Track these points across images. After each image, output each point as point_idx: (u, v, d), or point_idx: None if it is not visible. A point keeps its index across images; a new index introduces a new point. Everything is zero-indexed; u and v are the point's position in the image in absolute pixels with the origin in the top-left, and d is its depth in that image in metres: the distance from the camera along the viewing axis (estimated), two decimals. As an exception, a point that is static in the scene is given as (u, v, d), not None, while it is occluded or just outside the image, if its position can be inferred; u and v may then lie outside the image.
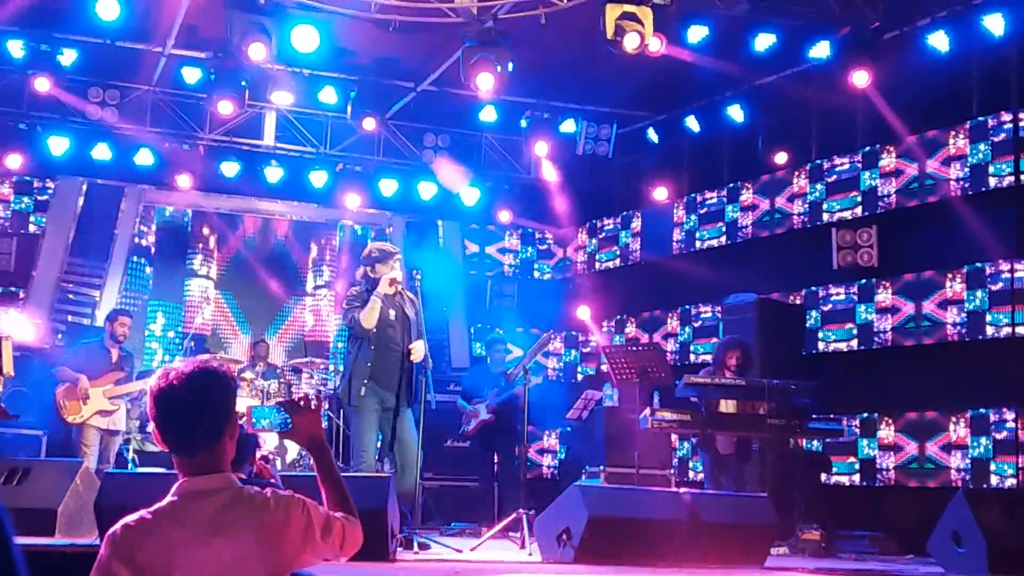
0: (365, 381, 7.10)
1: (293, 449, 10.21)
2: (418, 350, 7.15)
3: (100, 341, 9.52)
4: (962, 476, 9.54)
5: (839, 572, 6.62)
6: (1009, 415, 9.27)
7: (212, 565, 2.57)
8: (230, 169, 12.61)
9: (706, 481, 9.02)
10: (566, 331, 14.04)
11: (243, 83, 11.00)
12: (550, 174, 13.19)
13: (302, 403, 2.99)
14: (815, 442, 10.01)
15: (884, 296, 10.49)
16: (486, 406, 10.19)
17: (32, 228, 12.37)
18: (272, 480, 4.99)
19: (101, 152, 12.07)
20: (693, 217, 12.72)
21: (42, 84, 10.90)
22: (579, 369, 14.05)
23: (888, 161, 10.60)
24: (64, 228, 12.37)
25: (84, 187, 12.52)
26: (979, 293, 9.67)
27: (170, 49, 11.00)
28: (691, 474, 11.49)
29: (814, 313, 10.99)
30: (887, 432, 10.22)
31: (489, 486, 10.39)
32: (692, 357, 12.22)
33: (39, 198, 12.44)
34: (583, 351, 14.10)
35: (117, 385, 9.23)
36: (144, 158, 12.24)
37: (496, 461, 10.38)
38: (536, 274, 14.52)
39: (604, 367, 11.43)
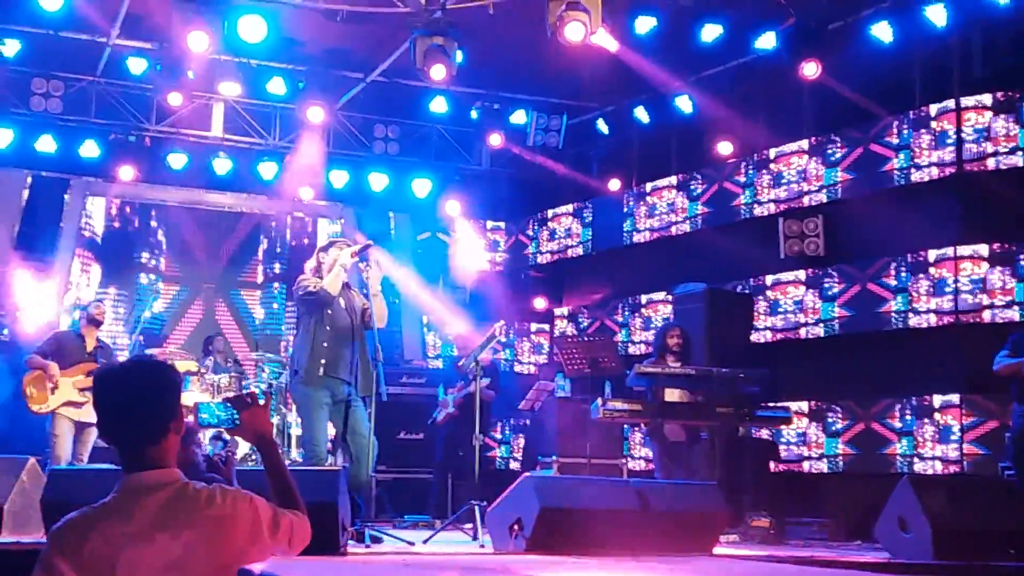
0: (322, 361, 7.02)
1: (244, 445, 10.13)
2: (380, 313, 7.05)
3: (76, 330, 9.32)
4: (908, 461, 9.69)
5: (787, 558, 6.69)
6: (954, 398, 9.42)
7: (157, 561, 2.56)
8: (177, 161, 12.47)
9: (657, 470, 9.08)
10: (518, 322, 14.05)
11: (189, 74, 10.87)
12: (500, 165, 13.19)
13: (249, 399, 2.97)
14: (763, 430, 10.12)
15: (831, 284, 10.61)
16: (453, 399, 10.23)
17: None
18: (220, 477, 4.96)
19: (45, 144, 11.89)
20: (642, 207, 12.78)
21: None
22: (531, 360, 14.07)
23: (834, 150, 10.72)
24: (8, 221, 12.18)
25: (28, 180, 12.33)
26: (922, 281, 9.82)
27: (115, 39, 10.84)
28: (642, 464, 11.56)
29: (762, 302, 11.10)
30: (833, 419, 10.35)
31: (443, 478, 10.42)
32: (643, 347, 12.28)
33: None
34: (535, 342, 14.12)
35: (88, 376, 9.06)
36: (89, 150, 12.07)
37: (458, 454, 10.40)
38: (488, 266, 14.50)
39: (556, 357, 11.50)
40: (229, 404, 2.98)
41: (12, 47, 10.75)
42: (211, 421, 3.00)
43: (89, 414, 9.09)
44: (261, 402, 2.99)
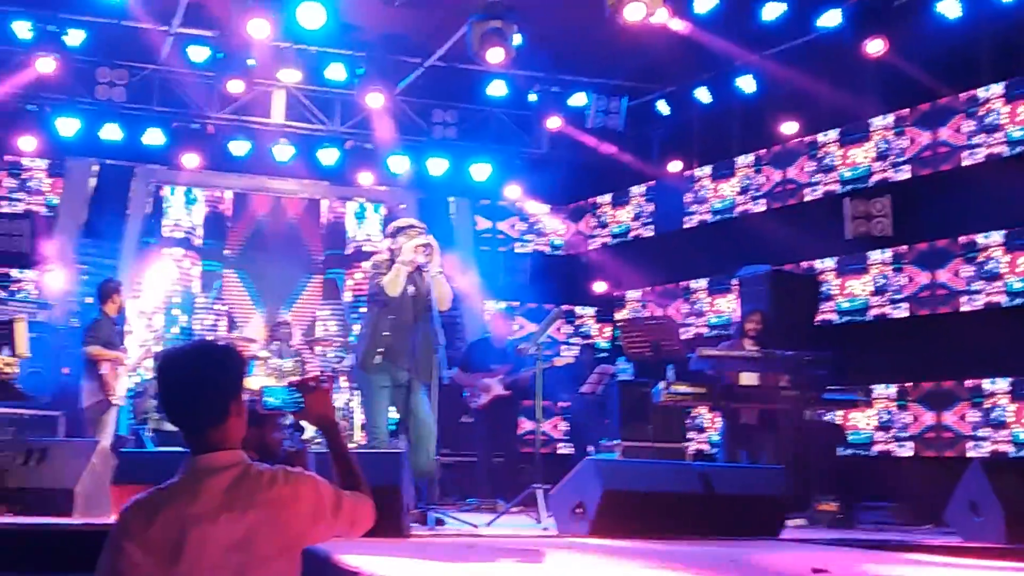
0: (380, 350, 7.06)
1: (310, 428, 10.21)
2: (443, 296, 7.04)
3: (105, 316, 9.41)
4: (978, 444, 9.50)
5: (854, 542, 6.59)
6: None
7: (223, 541, 2.57)
8: (239, 148, 12.59)
9: (721, 450, 9.00)
10: (580, 305, 14.01)
11: (250, 61, 10.94)
12: (560, 148, 13.13)
13: (312, 383, 2.98)
14: (831, 414, 9.98)
15: (899, 266, 10.43)
16: (500, 380, 10.13)
17: (45, 210, 12.40)
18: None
19: (111, 132, 12.05)
20: (706, 189, 12.65)
21: (47, 65, 10.79)
22: (594, 343, 14.02)
23: (901, 130, 10.52)
24: (77, 209, 12.39)
25: (96, 168, 12.54)
26: (991, 263, 9.60)
27: (176, 28, 10.95)
28: (707, 447, 11.47)
29: (829, 283, 10.94)
30: (904, 402, 10.19)
31: (488, 461, 10.33)
32: (706, 330, 12.18)
33: (52, 180, 12.48)
34: (598, 325, 14.07)
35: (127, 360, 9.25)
36: (153, 138, 12.21)
37: (508, 436, 10.36)
38: (549, 248, 14.49)
39: (619, 341, 11.43)
40: (294, 388, 2.99)
41: (77, 37, 10.88)
42: (276, 404, 3.01)
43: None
44: (324, 385, 2.99)
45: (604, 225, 14.07)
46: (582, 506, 6.25)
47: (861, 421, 10.41)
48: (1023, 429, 9.19)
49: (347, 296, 13.60)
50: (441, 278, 7.06)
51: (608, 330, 13.98)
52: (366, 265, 7.38)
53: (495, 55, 9.43)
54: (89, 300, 11.63)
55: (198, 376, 2.68)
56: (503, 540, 6.30)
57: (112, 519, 2.65)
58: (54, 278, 11.95)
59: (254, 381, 9.49)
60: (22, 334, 8.19)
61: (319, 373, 3.70)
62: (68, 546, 5.45)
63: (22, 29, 10.74)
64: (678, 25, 9.76)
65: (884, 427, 10.32)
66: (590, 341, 13.85)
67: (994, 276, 9.60)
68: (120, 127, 12.06)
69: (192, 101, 12.34)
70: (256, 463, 2.73)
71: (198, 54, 11.36)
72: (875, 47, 9.66)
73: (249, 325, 13.07)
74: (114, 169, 12.57)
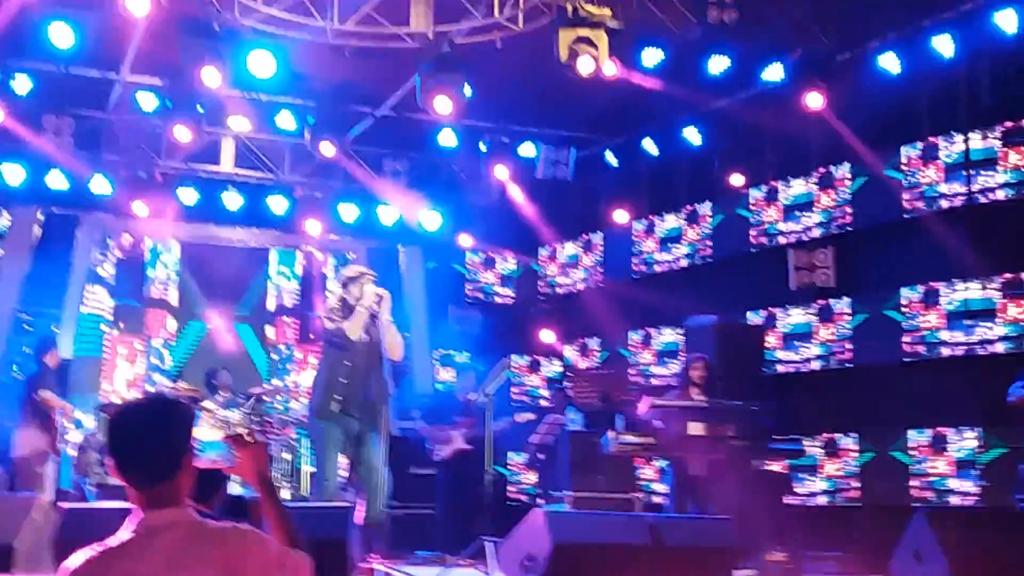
0: (337, 397, 7.02)
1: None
2: (395, 345, 7.05)
3: (45, 369, 9.22)
4: (925, 495, 9.61)
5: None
6: (971, 434, 9.36)
7: (172, 601, 2.54)
8: (188, 196, 12.51)
9: (670, 502, 9.00)
10: (529, 355, 14.03)
11: (199, 109, 10.92)
12: (511, 198, 13.21)
13: (247, 438, 2.98)
14: (775, 464, 10.03)
15: (842, 316, 10.57)
16: (463, 434, 10.11)
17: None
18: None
19: (57, 181, 11.93)
20: (652, 239, 12.78)
21: (-4, 112, 10.75)
22: (542, 393, 14.03)
23: (843, 182, 10.72)
24: (20, 259, 12.22)
25: (40, 216, 12.38)
26: (934, 312, 9.78)
27: (126, 76, 10.91)
28: (655, 498, 11.48)
29: (772, 334, 11.06)
30: (848, 451, 10.28)
31: (456, 513, 10.30)
32: (654, 380, 12.24)
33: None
34: (545, 376, 14.09)
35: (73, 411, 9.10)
36: (100, 186, 12.10)
37: (469, 489, 10.31)
38: (498, 299, 14.52)
39: (568, 391, 11.44)
40: (228, 443, 2.98)
41: (24, 84, 10.77)
42: (212, 457, 3.00)
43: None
44: (257, 439, 2.99)
45: (554, 274, 14.13)
46: (532, 559, 6.22)
47: (806, 471, 10.48)
48: (967, 480, 9.30)
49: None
50: (393, 327, 7.07)
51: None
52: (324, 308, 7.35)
53: (444, 106, 9.49)
54: (27, 351, 11.46)
55: (149, 431, 2.67)
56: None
57: (55, 576, 2.61)
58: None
59: (200, 433, 9.38)
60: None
61: (251, 428, 3.69)
62: (7, 604, 5.32)
63: (-34, 76, 10.63)
64: (629, 77, 9.89)
65: (830, 476, 10.40)
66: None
67: (937, 326, 9.76)
68: (66, 175, 11.94)
69: (140, 149, 12.26)
70: (205, 519, 2.70)
71: (147, 102, 11.29)
72: (814, 101, 9.85)
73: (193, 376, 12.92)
74: (60, 218, 12.43)
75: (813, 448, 10.39)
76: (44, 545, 6.42)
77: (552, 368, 14.02)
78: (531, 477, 13.03)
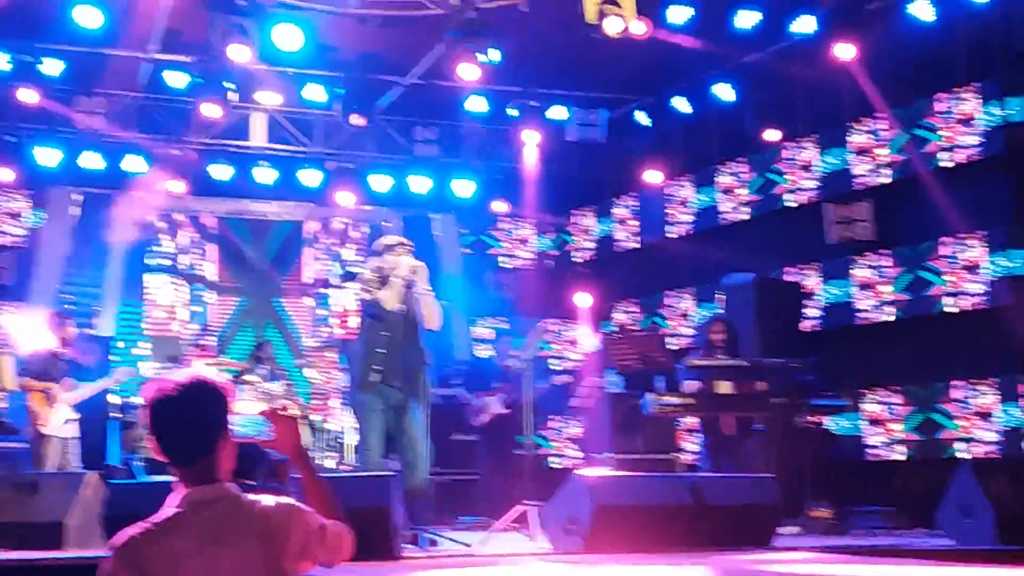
0: (376, 368, 7.04)
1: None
2: (433, 314, 7.07)
3: (49, 349, 9.29)
4: (969, 446, 9.54)
5: (846, 549, 6.61)
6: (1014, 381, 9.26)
7: (216, 574, 2.58)
8: (221, 172, 12.58)
9: (703, 463, 9.01)
10: (567, 319, 14.04)
11: (228, 85, 10.96)
12: (542, 162, 13.17)
13: (281, 412, 3.00)
14: (821, 419, 10.01)
15: (882, 269, 10.47)
16: (500, 399, 10.16)
17: (28, 242, 12.36)
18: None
19: (91, 161, 12.04)
20: (688, 198, 12.70)
21: (28, 95, 10.84)
22: (579, 357, 14.03)
23: (878, 133, 10.58)
24: (60, 239, 12.36)
25: (77, 197, 12.51)
26: (972, 263, 9.66)
27: (154, 54, 10.95)
28: (690, 457, 11.50)
29: (813, 289, 10.99)
30: (893, 406, 10.22)
31: (498, 478, 10.38)
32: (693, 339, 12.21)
33: (34, 211, 12.46)
34: (582, 339, 14.08)
35: (75, 391, 9.02)
36: (135, 165, 12.19)
37: (510, 454, 10.37)
38: (533, 263, 14.51)
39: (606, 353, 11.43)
40: (264, 417, 3.01)
41: (55, 66, 10.86)
42: (245, 434, 3.03)
43: (76, 429, 9.07)
44: (291, 414, 3.01)
45: (590, 237, 14.10)
46: (574, 522, 6.25)
47: (851, 426, 10.44)
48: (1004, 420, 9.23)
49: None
50: (430, 296, 7.08)
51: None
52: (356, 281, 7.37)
53: (472, 72, 9.46)
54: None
55: (187, 411, 2.70)
56: (495, 558, 6.30)
57: (103, 551, 2.66)
58: (38, 310, 11.88)
59: (241, 405, 9.48)
60: (6, 368, 8.13)
61: (288, 403, 3.72)
62: (60, 580, 5.43)
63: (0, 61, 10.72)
64: (650, 33, 9.77)
65: (874, 431, 10.34)
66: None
67: (977, 276, 9.65)
68: (101, 155, 12.04)
69: (172, 126, 12.33)
70: (244, 494, 2.74)
71: (176, 80, 11.34)
72: (846, 52, 9.71)
73: (236, 348, 13.05)
74: (96, 197, 12.55)
75: (858, 404, 10.32)
76: (93, 521, 6.55)
77: (589, 332, 14.00)
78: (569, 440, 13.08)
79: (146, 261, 12.98)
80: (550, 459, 13.23)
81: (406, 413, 7.09)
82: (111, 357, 11.36)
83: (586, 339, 13.94)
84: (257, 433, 3.03)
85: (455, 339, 13.22)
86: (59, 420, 8.82)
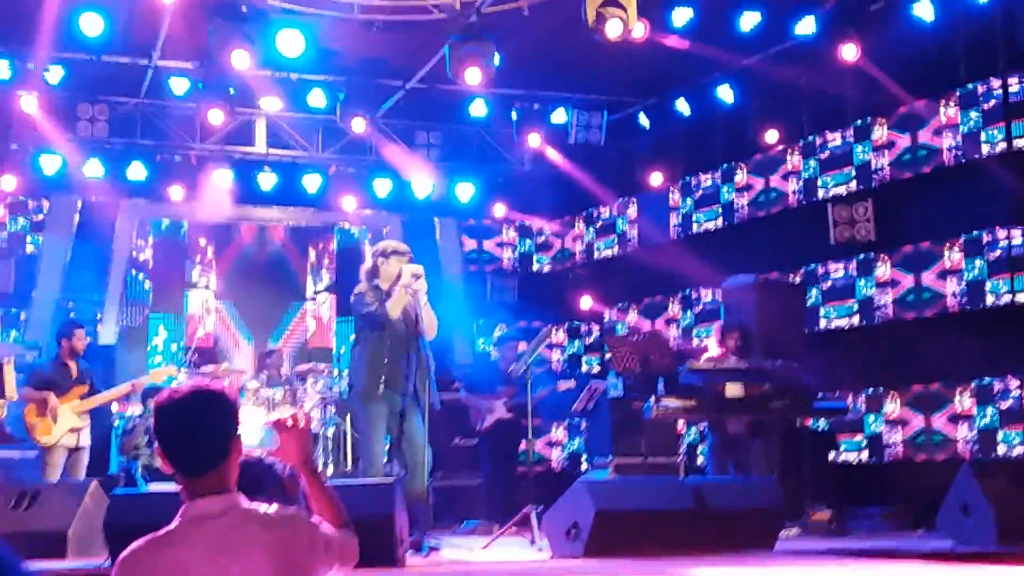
0: (382, 378, 7.04)
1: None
2: (430, 323, 7.08)
3: (56, 358, 9.14)
4: (969, 447, 9.54)
5: (848, 551, 6.62)
6: (1014, 383, 9.27)
7: (224, 586, 2.59)
8: (223, 178, 12.60)
9: (709, 463, 9.02)
10: (568, 322, 14.05)
11: (231, 91, 10.97)
12: (543, 165, 13.18)
13: (290, 422, 3.01)
14: (821, 421, 10.01)
15: (883, 270, 10.48)
16: (504, 403, 10.14)
17: (30, 249, 12.39)
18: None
19: (93, 168, 12.05)
20: (689, 201, 12.71)
21: (29, 104, 10.87)
22: (583, 360, 14.05)
23: (880, 133, 10.59)
24: (61, 247, 12.37)
25: (79, 204, 12.52)
26: (977, 262, 9.66)
27: (156, 61, 10.97)
28: (699, 459, 11.49)
29: (814, 291, 10.99)
30: (893, 407, 10.22)
31: (493, 484, 10.36)
32: (695, 342, 12.21)
33: (35, 218, 12.48)
34: (586, 342, 14.10)
35: (83, 400, 8.95)
36: (136, 172, 12.20)
37: (511, 459, 10.36)
38: (535, 266, 14.53)
39: (608, 357, 11.45)
40: (270, 427, 3.01)
41: (56, 74, 10.89)
42: (252, 444, 3.04)
43: (85, 437, 9.03)
44: (301, 424, 3.02)
45: (591, 240, 14.11)
46: (576, 527, 6.26)
47: (851, 428, 10.43)
48: (1014, 429, 9.23)
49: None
50: (428, 306, 7.09)
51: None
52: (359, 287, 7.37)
53: (474, 75, 9.47)
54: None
55: (194, 423, 2.70)
56: (497, 565, 6.31)
57: (105, 561, 2.67)
58: (39, 317, 11.90)
59: (243, 412, 9.48)
60: (9, 376, 8.13)
61: (296, 412, 3.71)
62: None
63: (1, 68, 10.73)
64: (656, 37, 9.80)
65: (874, 433, 10.35)
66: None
67: (982, 277, 9.65)
68: (102, 162, 12.05)
69: (174, 133, 12.34)
70: (252, 505, 2.75)
71: (178, 86, 11.37)
72: (849, 52, 9.72)
73: (238, 356, 13.07)
74: (98, 205, 12.56)
75: (859, 405, 10.33)
76: (95, 530, 6.56)
77: (591, 335, 14.01)
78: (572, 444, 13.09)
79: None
80: (554, 463, 13.25)
81: (409, 419, 7.09)
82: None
83: (589, 342, 13.95)
84: (262, 443, 3.04)
85: (457, 343, 13.23)
86: (61, 430, 8.78)
